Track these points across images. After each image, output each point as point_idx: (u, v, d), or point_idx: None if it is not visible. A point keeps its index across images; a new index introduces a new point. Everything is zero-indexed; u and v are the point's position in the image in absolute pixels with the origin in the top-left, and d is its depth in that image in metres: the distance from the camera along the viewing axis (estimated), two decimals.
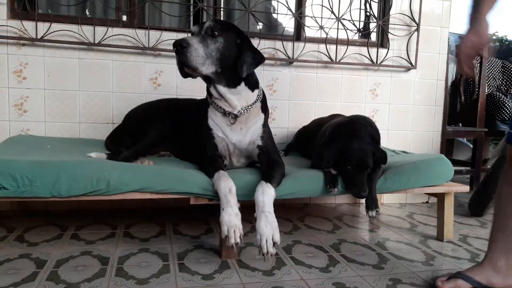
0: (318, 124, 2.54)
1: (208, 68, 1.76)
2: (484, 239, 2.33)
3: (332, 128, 2.20)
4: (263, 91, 2.07)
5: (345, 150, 1.98)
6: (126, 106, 2.54)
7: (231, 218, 1.66)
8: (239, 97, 1.91)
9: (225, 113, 1.93)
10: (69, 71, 2.54)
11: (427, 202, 3.23)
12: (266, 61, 2.79)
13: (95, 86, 2.59)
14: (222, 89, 1.87)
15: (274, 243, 1.61)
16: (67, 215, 2.47)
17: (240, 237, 1.67)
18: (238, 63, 1.81)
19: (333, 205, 3.01)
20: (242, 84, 1.90)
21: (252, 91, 1.95)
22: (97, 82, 2.59)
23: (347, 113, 2.55)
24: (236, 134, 1.96)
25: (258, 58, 1.89)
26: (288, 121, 2.92)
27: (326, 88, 2.97)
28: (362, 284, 1.67)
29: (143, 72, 2.65)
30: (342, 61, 2.91)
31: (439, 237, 2.30)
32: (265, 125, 2.03)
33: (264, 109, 2.05)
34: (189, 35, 1.87)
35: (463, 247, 2.19)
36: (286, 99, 2.90)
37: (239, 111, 1.91)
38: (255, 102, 1.96)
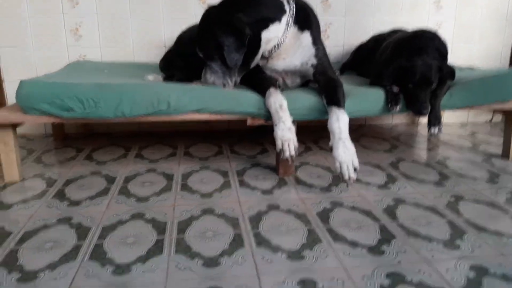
0: (377, 40, 2.40)
1: (237, 75, 1.84)
2: None
3: (394, 43, 2.07)
4: (297, 6, 1.84)
5: (407, 66, 1.87)
6: (177, 28, 2.50)
7: (284, 132, 1.67)
8: (267, 41, 1.78)
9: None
10: None
11: (490, 121, 3.07)
12: None
13: (146, 9, 2.55)
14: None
15: (355, 169, 1.62)
16: (129, 137, 2.59)
17: (295, 150, 1.68)
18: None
19: (390, 126, 2.94)
20: (269, 25, 1.75)
21: (280, 20, 1.79)
22: (147, 5, 2.55)
23: (408, 28, 2.37)
24: (281, 62, 1.89)
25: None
26: (343, 38, 2.78)
27: (386, 1, 2.76)
28: (423, 200, 1.66)
29: None
30: None
31: (505, 155, 2.19)
32: (316, 42, 1.88)
33: (304, 26, 1.86)
34: None
35: None
36: (341, 15, 2.73)
37: (268, 52, 1.83)
38: (284, 31, 1.80)
